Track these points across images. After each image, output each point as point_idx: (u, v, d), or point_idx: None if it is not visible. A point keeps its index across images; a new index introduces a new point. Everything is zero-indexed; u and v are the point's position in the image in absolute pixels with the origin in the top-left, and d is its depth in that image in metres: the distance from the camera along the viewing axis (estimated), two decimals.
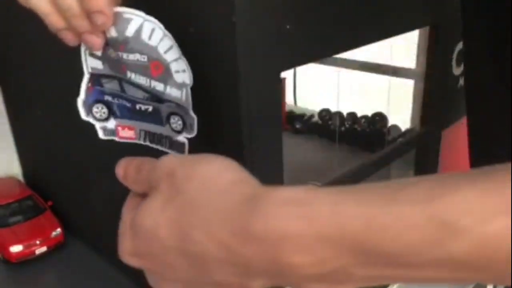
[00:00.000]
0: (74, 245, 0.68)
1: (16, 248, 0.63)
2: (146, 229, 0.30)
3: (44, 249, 0.65)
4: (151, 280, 0.33)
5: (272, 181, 0.42)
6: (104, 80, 0.37)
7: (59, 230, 0.67)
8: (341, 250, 0.23)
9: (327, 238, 0.23)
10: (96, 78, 0.38)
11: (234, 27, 0.33)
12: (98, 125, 0.39)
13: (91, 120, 0.39)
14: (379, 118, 0.95)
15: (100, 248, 0.66)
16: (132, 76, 0.36)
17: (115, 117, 0.39)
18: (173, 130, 0.36)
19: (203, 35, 0.36)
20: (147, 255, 0.31)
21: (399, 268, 0.22)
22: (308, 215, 0.24)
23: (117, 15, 0.33)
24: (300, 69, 1.18)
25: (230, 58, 0.35)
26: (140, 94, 0.36)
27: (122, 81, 0.36)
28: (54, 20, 0.34)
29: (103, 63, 0.37)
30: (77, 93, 0.54)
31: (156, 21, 0.33)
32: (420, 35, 0.79)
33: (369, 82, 1.01)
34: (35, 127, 0.69)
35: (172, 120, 0.36)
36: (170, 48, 0.34)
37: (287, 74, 1.14)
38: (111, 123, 0.39)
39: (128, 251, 0.32)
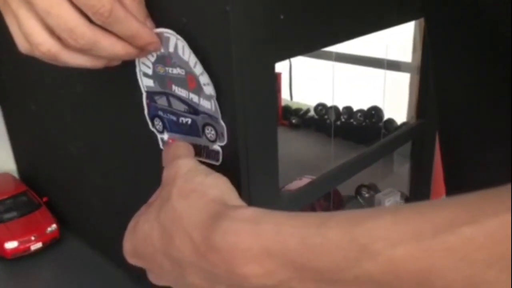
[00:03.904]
0: (70, 240, 0.68)
1: (11, 245, 0.63)
2: (144, 233, 0.35)
3: (39, 245, 0.65)
4: (150, 277, 0.38)
5: (267, 175, 0.42)
6: (156, 97, 0.41)
7: (54, 226, 0.66)
8: (283, 264, 0.27)
9: (271, 252, 0.27)
10: (150, 95, 0.42)
11: (227, 16, 0.33)
12: (158, 136, 0.43)
13: (155, 131, 0.43)
14: (375, 112, 0.95)
15: (96, 244, 0.66)
16: (176, 89, 0.39)
17: (167, 130, 0.42)
18: (208, 140, 0.39)
19: (196, 25, 0.36)
20: (143, 255, 0.36)
21: (329, 284, 0.26)
22: (255, 232, 0.28)
23: (159, 36, 0.37)
24: (296, 64, 1.18)
25: (223, 48, 0.35)
26: (182, 107, 0.40)
27: (169, 96, 0.40)
28: (98, 64, 0.37)
29: (154, 81, 0.40)
30: (73, 87, 0.54)
31: (183, 39, 0.36)
32: (415, 28, 0.79)
33: (365, 76, 1.01)
34: (29, 122, 0.69)
35: (206, 131, 0.39)
36: (196, 63, 0.36)
37: (282, 69, 1.13)
38: (165, 136, 0.43)
39: (129, 251, 0.37)
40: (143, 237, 0.36)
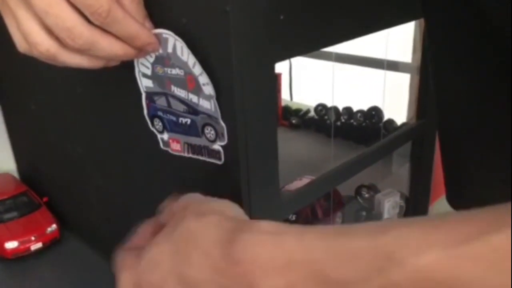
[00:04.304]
0: (70, 241, 0.68)
1: (11, 245, 0.63)
2: (151, 257, 0.34)
3: (39, 245, 0.65)
4: None
5: (267, 175, 0.42)
6: (155, 97, 0.41)
7: (54, 226, 0.66)
8: (306, 275, 0.26)
9: (294, 263, 0.27)
10: (149, 95, 0.42)
11: (227, 16, 0.33)
12: (158, 136, 0.44)
13: (154, 131, 0.43)
14: (375, 112, 0.95)
15: (96, 244, 0.66)
16: (175, 90, 0.39)
17: (167, 130, 0.43)
18: (208, 140, 0.39)
19: (196, 26, 0.36)
20: (148, 283, 0.34)
21: None
22: (277, 243, 0.28)
23: (158, 36, 0.37)
24: (296, 64, 1.18)
25: (223, 48, 0.35)
26: (181, 107, 0.40)
27: (168, 96, 0.40)
28: (96, 64, 0.37)
29: (153, 82, 0.41)
30: (73, 87, 0.54)
31: (181, 40, 0.36)
32: (415, 28, 0.79)
33: (365, 76, 1.01)
34: (29, 122, 0.69)
35: (206, 131, 0.39)
36: (195, 63, 0.36)
37: (282, 70, 1.13)
38: (165, 136, 0.43)
39: (130, 283, 0.35)
40: (150, 262, 0.34)
